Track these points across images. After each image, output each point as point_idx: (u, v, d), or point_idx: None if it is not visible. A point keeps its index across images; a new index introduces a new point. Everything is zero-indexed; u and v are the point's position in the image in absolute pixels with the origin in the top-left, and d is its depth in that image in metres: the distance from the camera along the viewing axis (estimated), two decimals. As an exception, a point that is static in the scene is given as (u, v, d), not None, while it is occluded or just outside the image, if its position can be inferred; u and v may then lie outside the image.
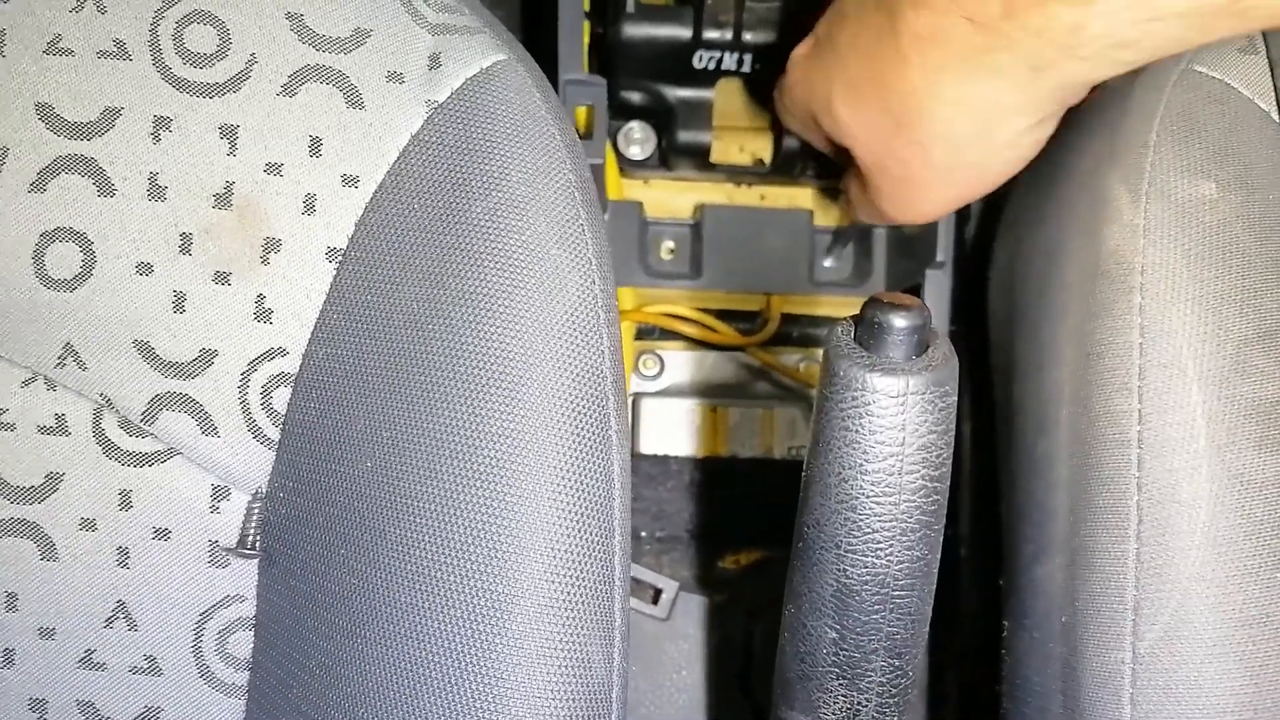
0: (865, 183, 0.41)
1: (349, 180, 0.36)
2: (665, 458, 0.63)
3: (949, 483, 0.30)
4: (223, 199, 0.36)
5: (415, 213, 0.36)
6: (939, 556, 0.31)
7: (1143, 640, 0.35)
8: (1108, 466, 0.36)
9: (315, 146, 0.36)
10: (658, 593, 0.60)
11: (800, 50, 0.42)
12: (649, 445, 0.61)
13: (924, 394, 0.28)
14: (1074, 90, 0.34)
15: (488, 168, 0.36)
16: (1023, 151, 0.37)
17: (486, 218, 0.35)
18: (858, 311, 0.29)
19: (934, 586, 0.31)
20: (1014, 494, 0.42)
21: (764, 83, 0.52)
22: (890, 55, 0.35)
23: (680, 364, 0.62)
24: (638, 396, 0.61)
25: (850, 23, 0.37)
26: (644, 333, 0.62)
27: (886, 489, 0.29)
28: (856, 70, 0.37)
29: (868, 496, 0.29)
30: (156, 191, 0.36)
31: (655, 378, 0.62)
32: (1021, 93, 0.34)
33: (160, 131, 0.36)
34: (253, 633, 0.38)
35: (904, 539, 0.29)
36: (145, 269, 0.36)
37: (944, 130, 0.35)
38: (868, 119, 0.38)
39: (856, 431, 0.28)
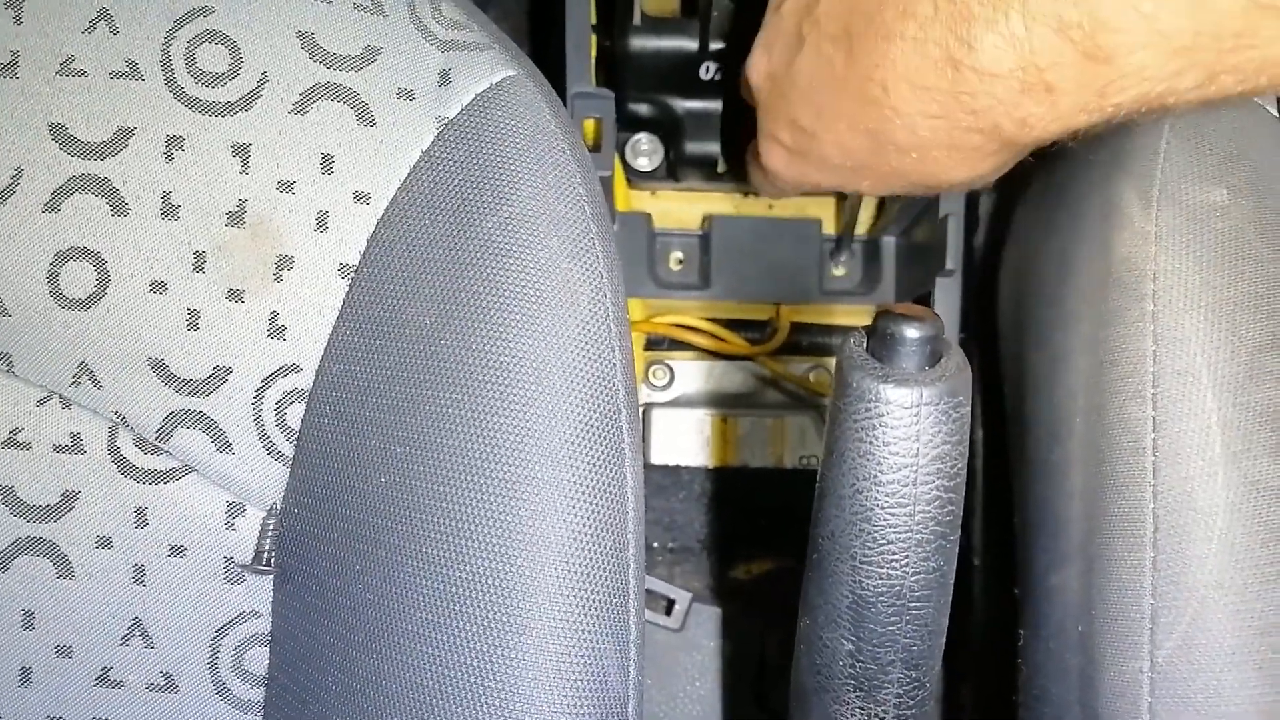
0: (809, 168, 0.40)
1: (361, 197, 0.36)
2: (676, 468, 0.63)
3: (964, 493, 0.29)
4: (235, 217, 0.36)
5: (426, 228, 0.36)
6: (954, 567, 0.31)
7: (1160, 649, 0.35)
8: (1123, 474, 0.36)
9: (327, 164, 0.36)
10: (671, 604, 0.60)
11: (758, 70, 0.40)
12: (660, 456, 0.61)
13: (938, 404, 0.28)
14: None
15: (498, 183, 0.36)
16: None
17: (497, 232, 0.35)
18: (869, 322, 0.29)
19: (950, 597, 0.31)
20: (1028, 502, 0.41)
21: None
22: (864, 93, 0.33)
23: (690, 374, 0.62)
24: (648, 407, 0.61)
25: (807, 57, 0.36)
26: (653, 343, 0.62)
27: (901, 500, 0.29)
28: (820, 100, 0.36)
29: (882, 508, 0.29)
30: (170, 210, 0.36)
31: (665, 388, 0.62)
32: None
33: (173, 150, 0.36)
34: (269, 649, 0.38)
35: (919, 550, 0.29)
36: (159, 287, 0.36)
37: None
38: (848, 141, 0.36)
39: (870, 443, 0.28)
